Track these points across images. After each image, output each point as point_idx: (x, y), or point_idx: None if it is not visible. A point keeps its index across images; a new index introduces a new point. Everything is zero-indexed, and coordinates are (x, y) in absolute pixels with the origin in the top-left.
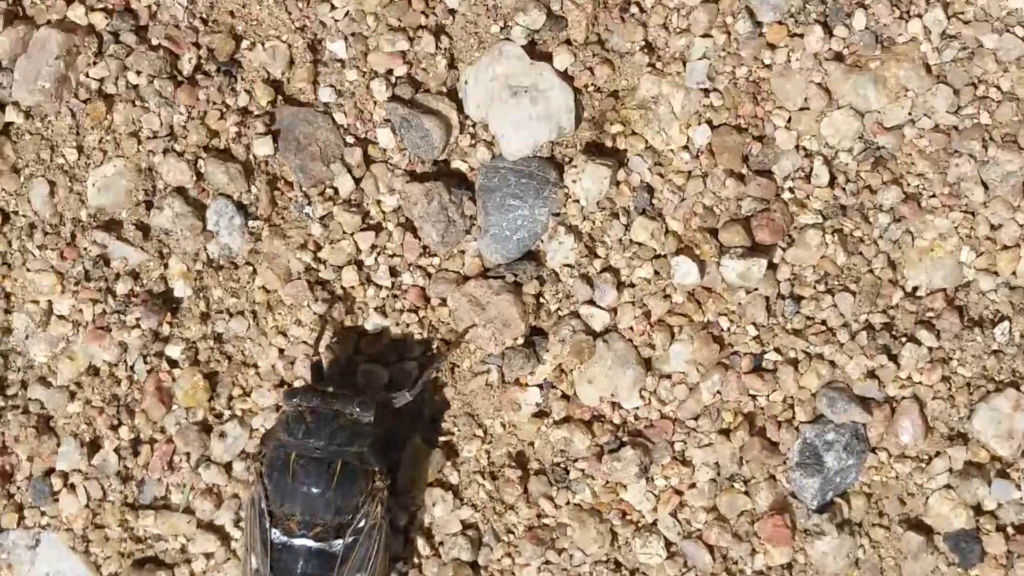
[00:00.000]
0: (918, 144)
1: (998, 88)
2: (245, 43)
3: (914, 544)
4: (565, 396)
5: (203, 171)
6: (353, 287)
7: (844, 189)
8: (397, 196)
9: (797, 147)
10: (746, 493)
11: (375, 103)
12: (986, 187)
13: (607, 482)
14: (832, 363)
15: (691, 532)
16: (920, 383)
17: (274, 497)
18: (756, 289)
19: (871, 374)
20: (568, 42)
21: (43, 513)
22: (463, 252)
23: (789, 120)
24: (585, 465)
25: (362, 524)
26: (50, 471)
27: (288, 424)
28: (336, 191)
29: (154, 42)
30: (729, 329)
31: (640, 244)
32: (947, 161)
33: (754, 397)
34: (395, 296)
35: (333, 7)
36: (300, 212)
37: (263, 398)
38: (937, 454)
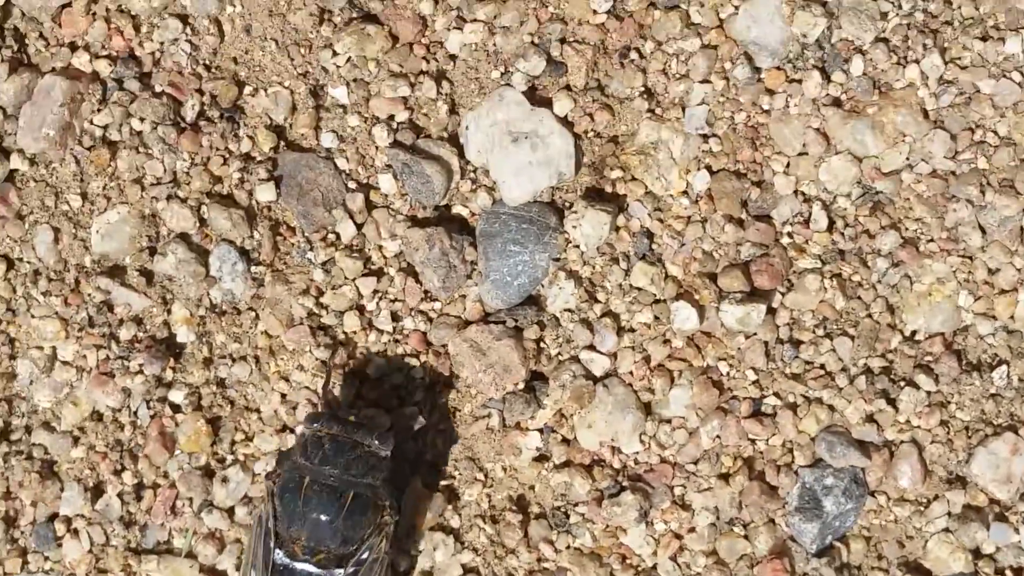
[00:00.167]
0: (916, 189)
1: (995, 133)
2: (248, 89)
3: None
4: (565, 440)
5: (206, 217)
6: (355, 332)
7: (843, 234)
8: (399, 241)
9: (796, 192)
10: (745, 537)
11: (377, 148)
12: (984, 232)
13: (607, 526)
14: (831, 407)
15: None
16: (919, 427)
17: (283, 518)
18: (755, 334)
19: (870, 418)
20: (568, 88)
21: (46, 558)
22: (464, 297)
23: (788, 165)
24: (585, 509)
25: (365, 556)
26: (53, 516)
27: (306, 448)
28: (338, 236)
29: (157, 89)
30: (728, 374)
31: (640, 289)
32: (945, 206)
33: (753, 441)
34: (396, 341)
35: (335, 53)
36: (302, 257)
37: (265, 443)
38: (936, 498)
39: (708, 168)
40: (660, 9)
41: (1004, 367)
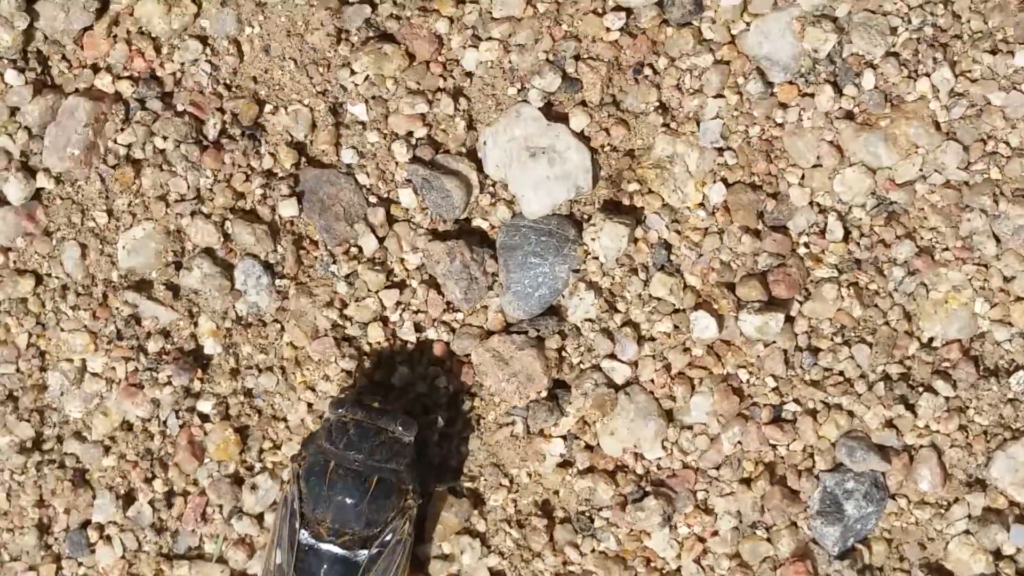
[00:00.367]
0: (930, 199)
1: (1007, 144)
2: (268, 107)
3: None
4: (588, 447)
5: (230, 232)
6: (379, 343)
7: (858, 243)
8: (420, 254)
9: (811, 203)
10: (768, 540)
11: (396, 164)
12: (998, 240)
13: (631, 530)
14: (850, 413)
15: None
16: (938, 432)
17: (308, 500)
18: (774, 342)
19: (889, 424)
20: (584, 103)
21: (80, 564)
22: (486, 308)
23: (802, 177)
24: (609, 514)
25: (388, 538)
26: (86, 523)
27: (331, 433)
28: (360, 250)
29: (179, 108)
30: (748, 381)
31: (659, 299)
32: (959, 215)
33: (774, 447)
34: (421, 351)
35: (353, 72)
36: (326, 271)
37: (293, 451)
38: (956, 501)
39: (724, 180)
40: (672, 26)
41: (1021, 372)
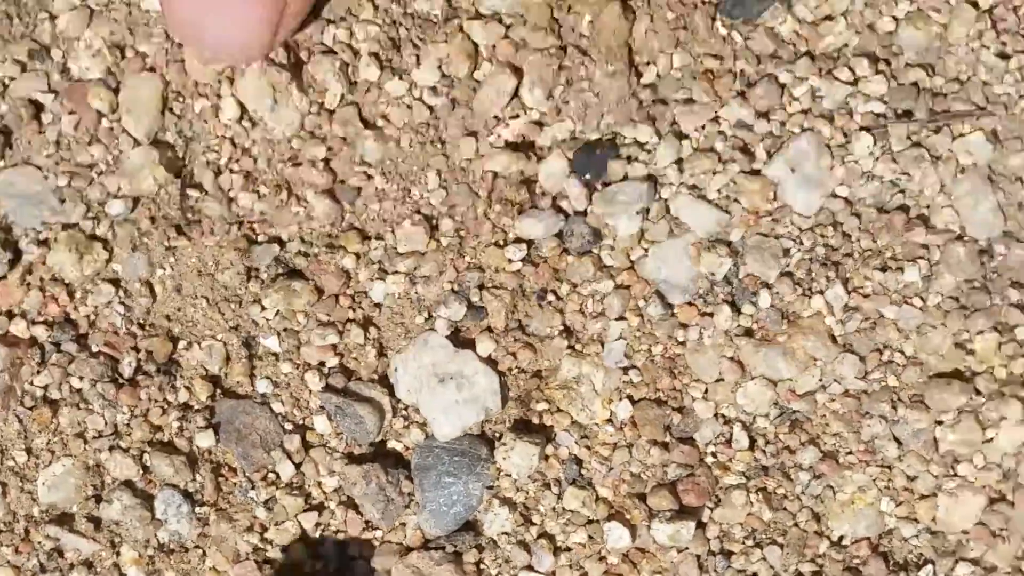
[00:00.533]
0: (831, 407)
1: (902, 353)
2: (182, 344)
3: None
4: None
5: (149, 464)
6: (303, 561)
7: (764, 451)
8: (337, 477)
9: (716, 415)
10: None
11: (310, 392)
12: (899, 443)
13: None
14: None
15: None
16: None
17: None
18: (687, 548)
19: None
20: (490, 329)
21: None
22: (404, 524)
23: (706, 391)
24: None
25: None
26: None
27: None
28: (278, 475)
29: (94, 349)
30: None
31: (573, 511)
32: (860, 422)
33: None
34: (342, 570)
35: (264, 307)
36: (245, 496)
37: None
38: None
39: (630, 398)
40: (572, 255)
41: (930, 566)
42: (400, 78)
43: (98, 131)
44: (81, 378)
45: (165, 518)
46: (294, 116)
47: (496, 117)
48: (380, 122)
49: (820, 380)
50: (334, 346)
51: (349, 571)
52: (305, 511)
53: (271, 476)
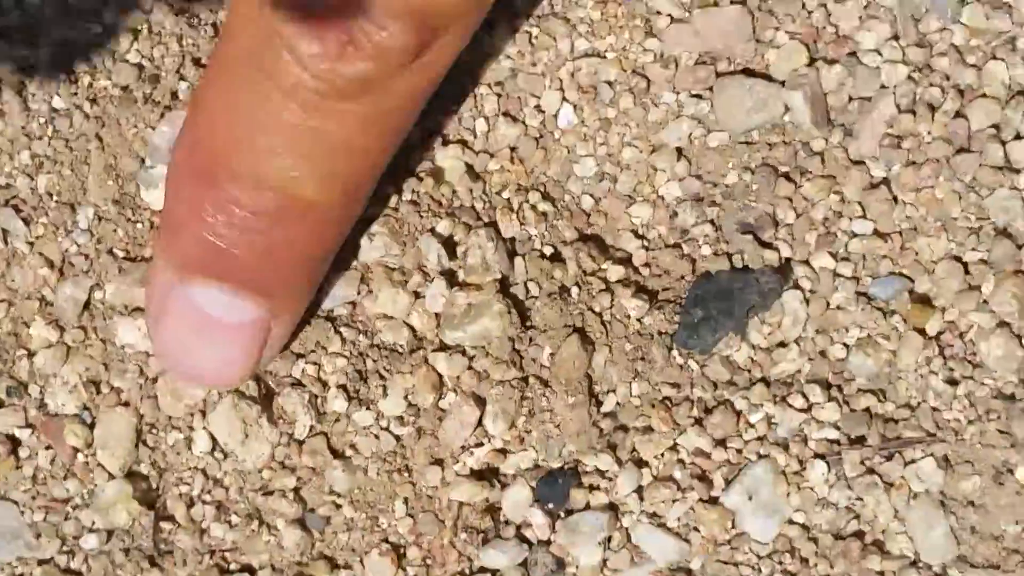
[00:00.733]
0: None
1: None
2: None
3: None
4: None
5: None
6: None
7: None
8: None
9: None
10: None
11: None
12: None
13: None
14: None
15: None
16: None
17: None
18: None
19: None
20: None
21: None
22: None
23: None
24: None
25: None
26: None
27: None
28: None
29: None
30: None
31: None
32: None
33: None
34: None
35: None
36: None
37: None
38: None
39: None
40: None
41: None
42: (367, 408)
43: (74, 465)
44: None
45: None
46: (264, 447)
47: (462, 446)
48: (348, 452)
49: None
50: None
51: None
52: None
53: None
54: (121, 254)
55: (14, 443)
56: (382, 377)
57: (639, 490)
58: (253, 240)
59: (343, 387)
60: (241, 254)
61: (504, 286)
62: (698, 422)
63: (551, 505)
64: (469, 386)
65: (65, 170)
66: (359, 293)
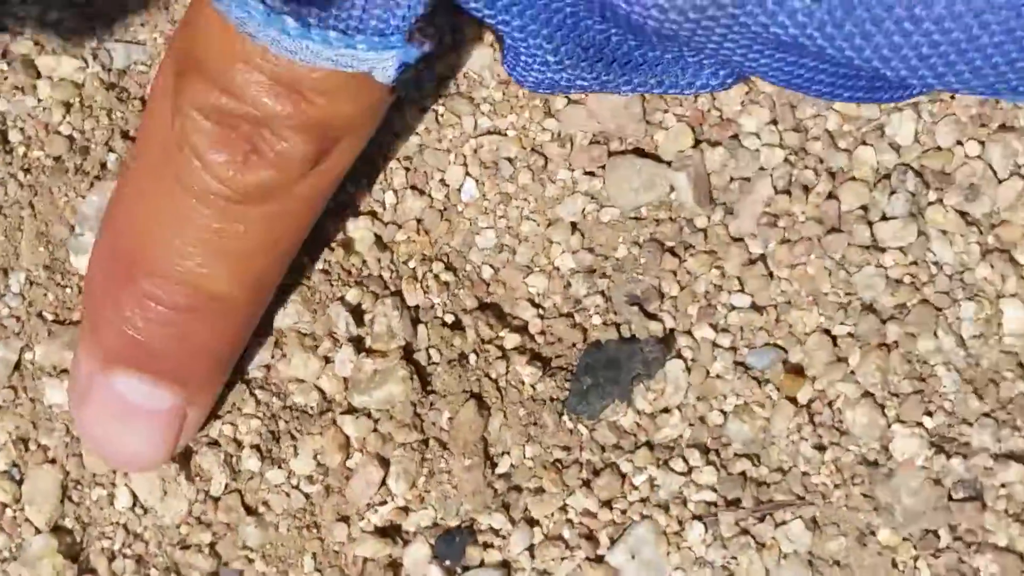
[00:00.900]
0: None
1: None
2: None
3: None
4: None
5: None
6: None
7: None
8: None
9: None
10: None
11: None
12: None
13: None
14: None
15: None
16: None
17: None
18: None
19: None
20: None
21: None
22: None
23: None
24: None
25: None
26: None
27: None
28: None
29: None
30: None
31: None
32: None
33: None
34: None
35: None
36: None
37: None
38: None
39: None
40: None
41: None
42: (279, 467)
43: (2, 520)
44: None
45: None
46: (182, 504)
47: (367, 504)
48: (261, 508)
49: None
50: None
51: None
52: None
53: None
54: (51, 317)
55: None
56: (293, 437)
57: (531, 548)
58: (169, 333)
59: (256, 447)
60: (158, 346)
61: (408, 353)
62: (586, 484)
63: (448, 562)
64: (374, 447)
65: None
66: (273, 357)
